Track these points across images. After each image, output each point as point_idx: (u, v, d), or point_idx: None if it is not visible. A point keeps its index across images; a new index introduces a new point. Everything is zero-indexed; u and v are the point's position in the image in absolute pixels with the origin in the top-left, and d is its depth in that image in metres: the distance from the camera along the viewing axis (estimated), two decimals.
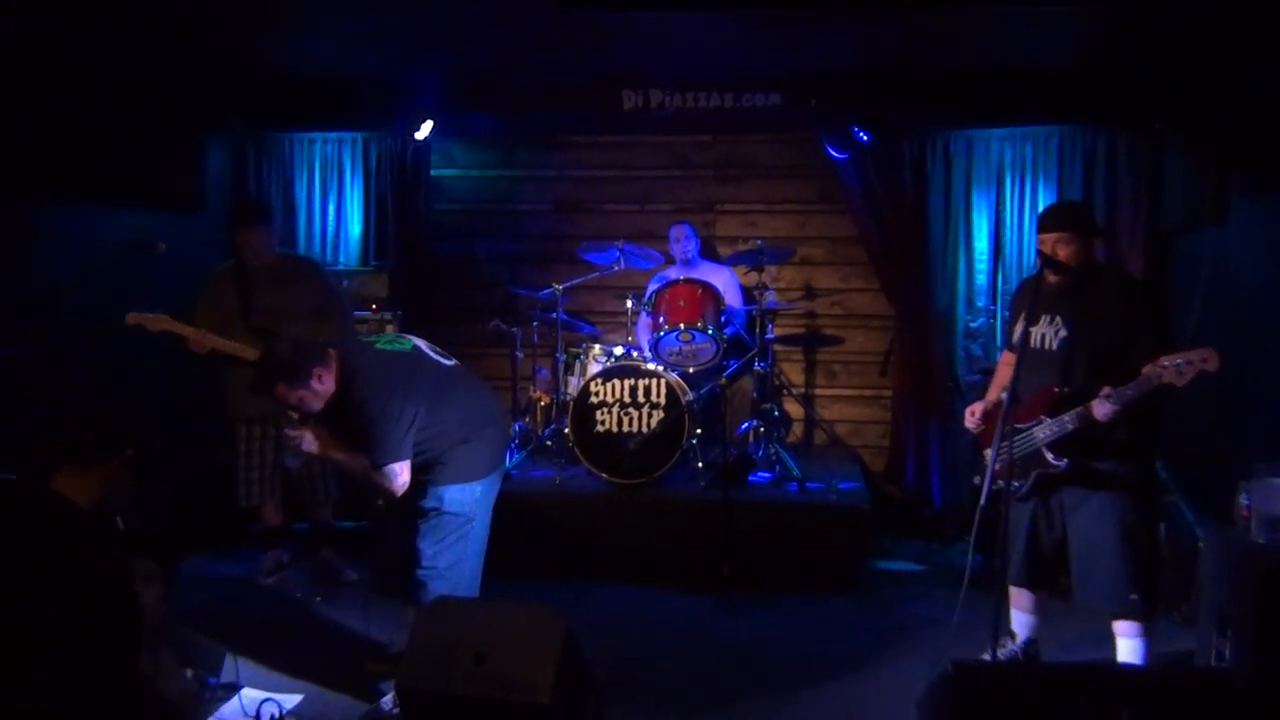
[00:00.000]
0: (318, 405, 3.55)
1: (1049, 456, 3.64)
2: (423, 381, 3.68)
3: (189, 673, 3.60)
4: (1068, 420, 3.57)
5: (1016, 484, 3.73)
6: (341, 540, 5.37)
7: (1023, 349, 3.69)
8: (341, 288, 5.40)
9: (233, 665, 3.85)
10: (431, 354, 3.86)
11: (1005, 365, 4.10)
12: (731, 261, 6.46)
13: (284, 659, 4.18)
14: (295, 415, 3.61)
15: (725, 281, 6.24)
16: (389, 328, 6.22)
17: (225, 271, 5.17)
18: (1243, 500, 3.66)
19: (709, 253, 6.80)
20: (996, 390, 4.01)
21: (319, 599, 4.99)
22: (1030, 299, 3.78)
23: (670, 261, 6.49)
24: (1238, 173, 5.07)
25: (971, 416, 3.99)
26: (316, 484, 5.22)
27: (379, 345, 3.77)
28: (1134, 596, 3.59)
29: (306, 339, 3.67)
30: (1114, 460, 3.63)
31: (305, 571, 5.30)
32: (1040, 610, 3.96)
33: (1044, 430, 3.64)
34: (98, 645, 2.57)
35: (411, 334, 4.00)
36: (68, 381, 4.82)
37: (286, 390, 3.48)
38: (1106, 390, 3.45)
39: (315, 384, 3.50)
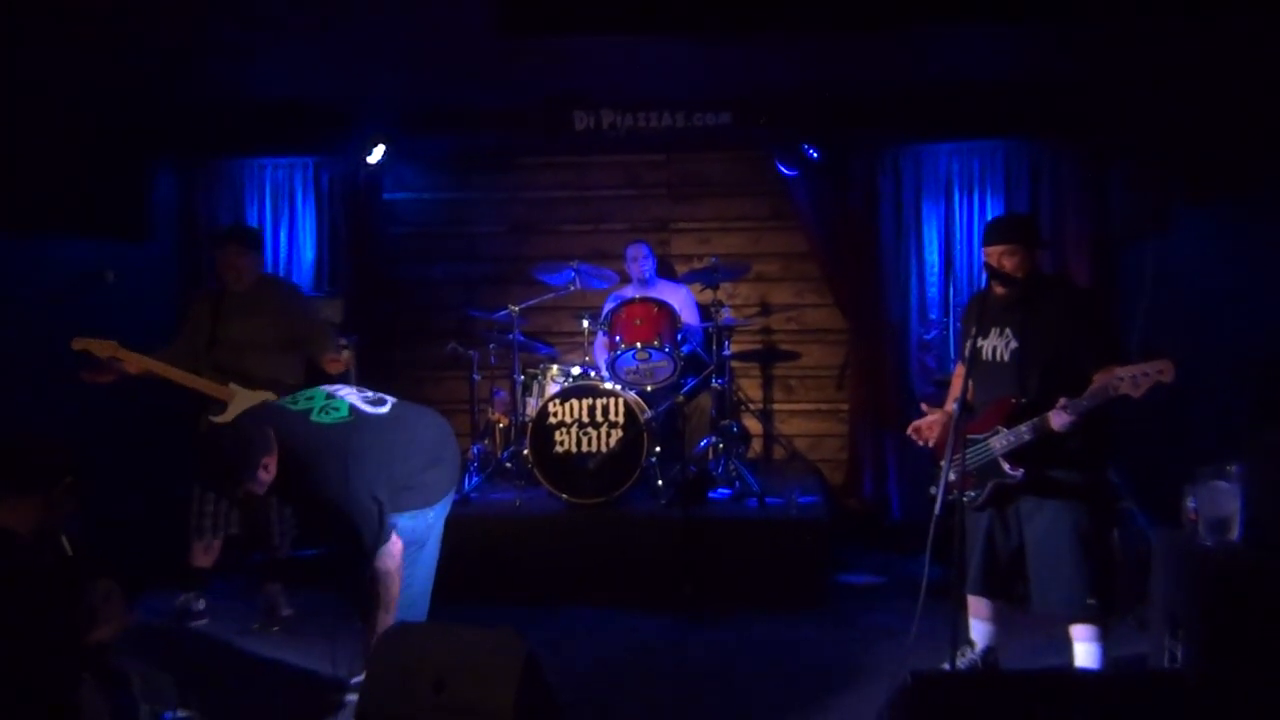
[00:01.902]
0: (262, 490, 3.55)
1: (1005, 466, 3.68)
2: (368, 447, 3.59)
3: (145, 708, 3.53)
4: (1024, 430, 3.61)
5: (972, 493, 3.77)
6: (297, 569, 5.28)
7: (974, 361, 3.74)
8: (315, 311, 5.22)
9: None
10: (366, 409, 3.75)
11: (959, 379, 4.14)
12: (687, 279, 6.50)
13: (242, 693, 4.12)
14: None
15: (682, 300, 6.27)
16: (345, 351, 6.14)
17: (205, 298, 5.04)
18: (1189, 504, 3.73)
19: (665, 271, 6.83)
20: (951, 403, 4.05)
21: (276, 629, 4.91)
22: (979, 312, 3.83)
23: (626, 280, 6.51)
24: (1179, 183, 5.19)
25: (915, 433, 4.01)
26: (273, 515, 5.05)
27: (314, 417, 3.64)
28: (1091, 601, 3.64)
29: (247, 428, 3.56)
30: (1068, 468, 3.68)
31: (252, 605, 5.09)
32: (998, 618, 3.99)
33: (1000, 440, 3.68)
34: (36, 678, 2.51)
35: (339, 385, 3.90)
36: (14, 412, 4.74)
37: (235, 486, 3.50)
38: (1063, 401, 3.50)
39: (262, 474, 3.48)
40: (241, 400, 4.79)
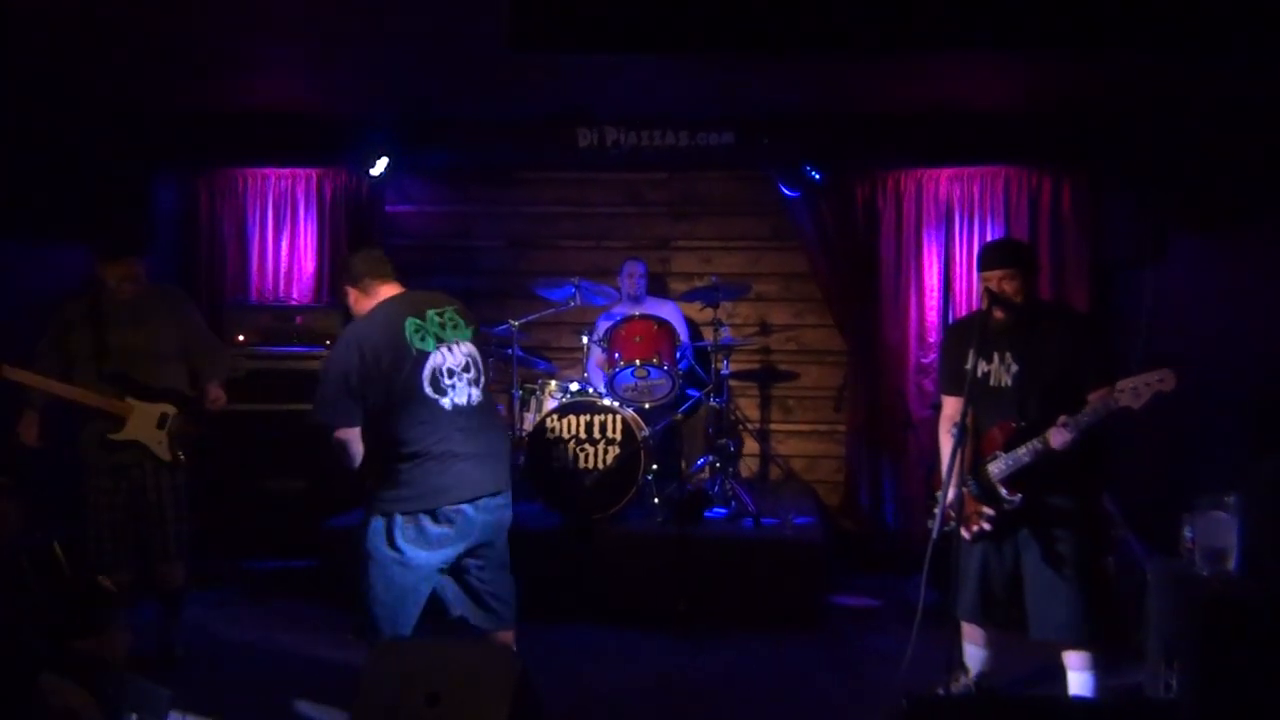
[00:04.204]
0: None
1: (1004, 492, 3.67)
2: (398, 368, 3.55)
3: (133, 717, 3.51)
4: (1023, 453, 3.60)
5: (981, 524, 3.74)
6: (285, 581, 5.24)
7: (976, 387, 3.74)
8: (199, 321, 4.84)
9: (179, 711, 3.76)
10: (458, 374, 3.67)
11: (946, 427, 3.98)
12: (687, 298, 6.51)
13: (232, 703, 4.10)
14: None
15: (669, 317, 6.27)
16: None
17: (78, 306, 4.52)
18: (1186, 533, 3.73)
19: (665, 289, 6.84)
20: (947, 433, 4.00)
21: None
22: (978, 338, 3.82)
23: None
24: (1177, 211, 5.21)
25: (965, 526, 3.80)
26: (168, 529, 4.54)
27: (435, 319, 3.70)
28: (1087, 629, 3.63)
29: (381, 257, 3.88)
30: (1064, 494, 3.67)
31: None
32: (993, 644, 3.99)
33: (998, 466, 3.67)
34: None
35: (475, 350, 3.79)
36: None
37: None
38: (1063, 419, 3.50)
39: (350, 300, 3.83)
40: (140, 415, 4.47)
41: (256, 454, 5.91)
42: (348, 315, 6.26)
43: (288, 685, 4.34)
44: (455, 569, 3.70)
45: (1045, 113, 5.78)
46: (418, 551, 3.57)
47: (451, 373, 3.68)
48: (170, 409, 4.52)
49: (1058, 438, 3.51)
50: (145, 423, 4.47)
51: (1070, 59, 4.83)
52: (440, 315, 3.73)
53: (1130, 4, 3.98)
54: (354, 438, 3.59)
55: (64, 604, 3.19)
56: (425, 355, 3.63)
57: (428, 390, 3.61)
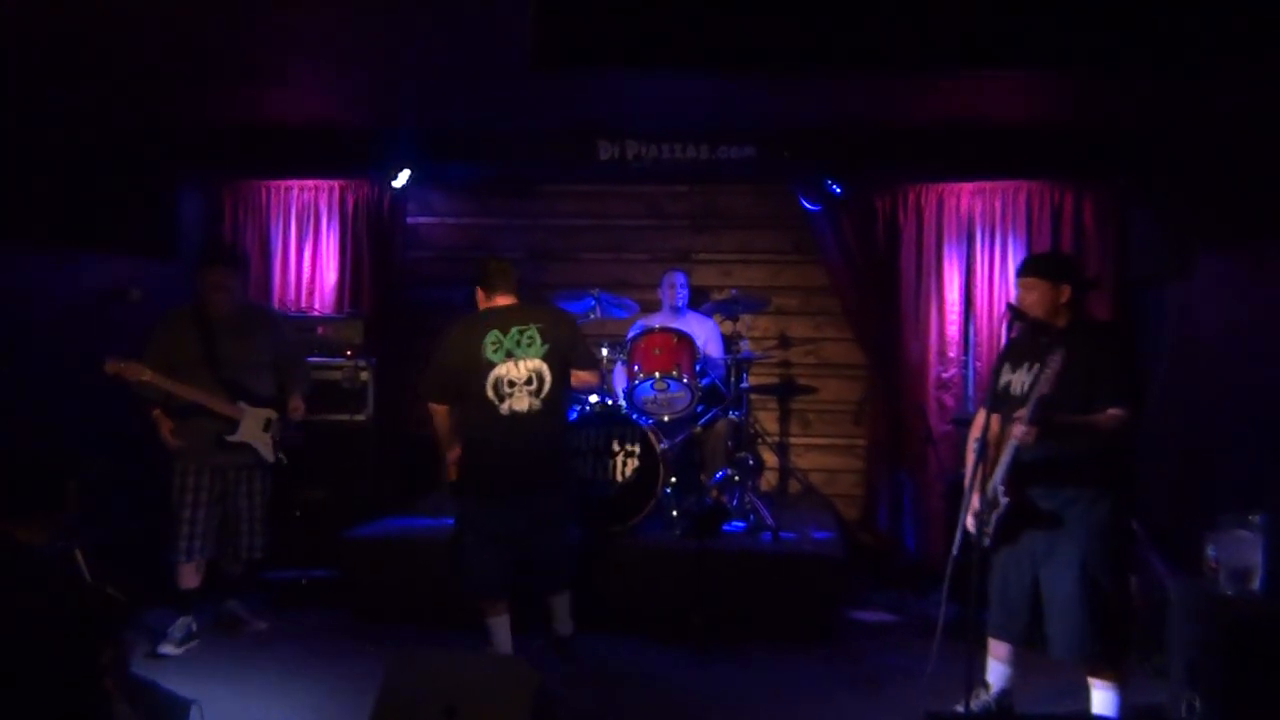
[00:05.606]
0: None
1: (1000, 492, 3.66)
2: (471, 370, 4.31)
3: None
4: (1005, 455, 3.60)
5: (988, 531, 3.73)
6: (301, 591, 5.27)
7: (1002, 397, 3.74)
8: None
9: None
10: (519, 385, 4.33)
11: (973, 435, 4.04)
12: (707, 310, 6.51)
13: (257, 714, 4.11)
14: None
15: (708, 332, 6.27)
16: (363, 374, 6.22)
17: (184, 315, 4.92)
18: (1210, 552, 3.69)
19: (696, 302, 6.83)
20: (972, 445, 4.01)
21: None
22: (1010, 348, 3.87)
23: (651, 309, 6.52)
24: (1202, 227, 5.18)
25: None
26: (255, 527, 5.02)
27: (515, 336, 4.36)
28: (1098, 650, 3.60)
29: (505, 269, 4.59)
30: (1082, 510, 3.64)
31: (211, 623, 5.07)
32: (1016, 661, 3.95)
33: (999, 470, 3.67)
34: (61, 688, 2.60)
35: (545, 366, 4.39)
36: (42, 427, 4.76)
37: None
38: (1020, 412, 3.52)
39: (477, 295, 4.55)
40: (251, 419, 4.92)
41: (277, 464, 5.93)
42: (369, 326, 6.48)
43: (299, 692, 4.36)
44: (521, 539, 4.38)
45: (1068, 127, 5.75)
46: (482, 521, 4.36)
47: (513, 384, 4.35)
48: (273, 414, 5.00)
49: (1016, 429, 3.52)
50: (254, 426, 4.94)
51: (1093, 74, 4.81)
52: (521, 333, 4.38)
53: (1153, 19, 3.97)
54: (439, 412, 4.45)
55: (79, 611, 3.20)
56: (492, 366, 4.33)
57: (490, 395, 4.32)
